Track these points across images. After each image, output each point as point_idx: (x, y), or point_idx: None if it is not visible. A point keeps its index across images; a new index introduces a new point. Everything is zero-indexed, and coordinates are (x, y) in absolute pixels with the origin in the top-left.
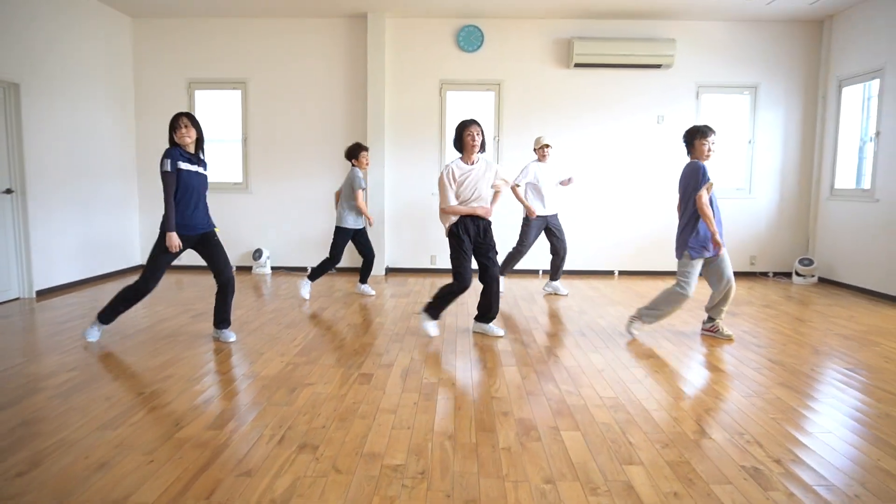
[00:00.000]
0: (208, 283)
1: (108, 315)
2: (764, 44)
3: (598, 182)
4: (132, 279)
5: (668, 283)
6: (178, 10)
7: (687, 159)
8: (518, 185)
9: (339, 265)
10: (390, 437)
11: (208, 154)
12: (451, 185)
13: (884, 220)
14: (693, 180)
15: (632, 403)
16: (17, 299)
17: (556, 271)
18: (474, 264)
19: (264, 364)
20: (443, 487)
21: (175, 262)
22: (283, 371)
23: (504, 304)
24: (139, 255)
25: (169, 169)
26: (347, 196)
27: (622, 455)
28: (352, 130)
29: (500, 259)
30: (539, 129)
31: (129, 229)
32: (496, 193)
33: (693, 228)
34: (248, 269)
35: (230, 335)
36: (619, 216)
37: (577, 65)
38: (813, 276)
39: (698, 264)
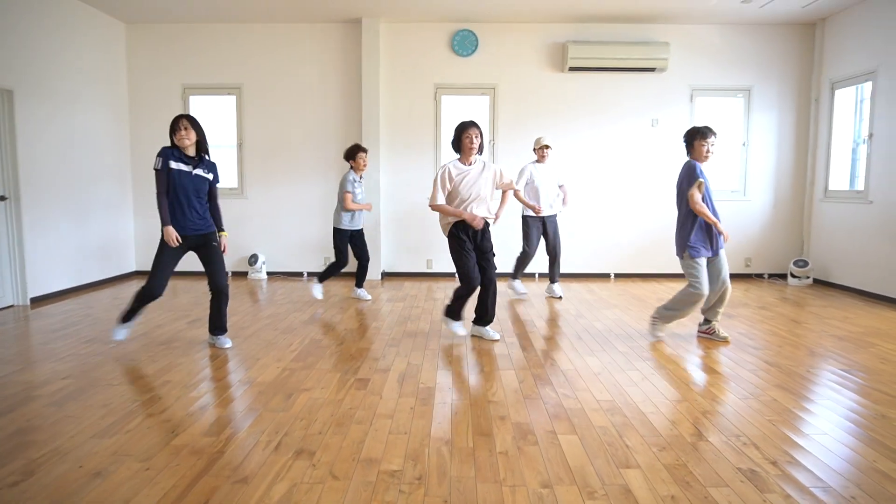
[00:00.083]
0: (204, 289)
1: (128, 315)
2: (757, 47)
3: (594, 185)
4: (127, 286)
5: (665, 285)
6: (173, 16)
7: (687, 159)
8: (518, 189)
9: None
10: (387, 443)
11: None
12: (445, 184)
13: (878, 222)
14: (686, 180)
15: (628, 406)
16: (11, 307)
17: (552, 274)
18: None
19: (260, 370)
20: (440, 493)
21: None
22: (279, 377)
23: (500, 307)
24: (134, 261)
25: (158, 167)
26: (340, 198)
27: (619, 458)
28: (347, 135)
29: (500, 259)
30: (534, 132)
31: (124, 236)
32: (504, 194)
33: (691, 227)
34: (244, 274)
35: (226, 341)
36: (614, 219)
37: (571, 68)
38: (808, 277)
39: (702, 261)
